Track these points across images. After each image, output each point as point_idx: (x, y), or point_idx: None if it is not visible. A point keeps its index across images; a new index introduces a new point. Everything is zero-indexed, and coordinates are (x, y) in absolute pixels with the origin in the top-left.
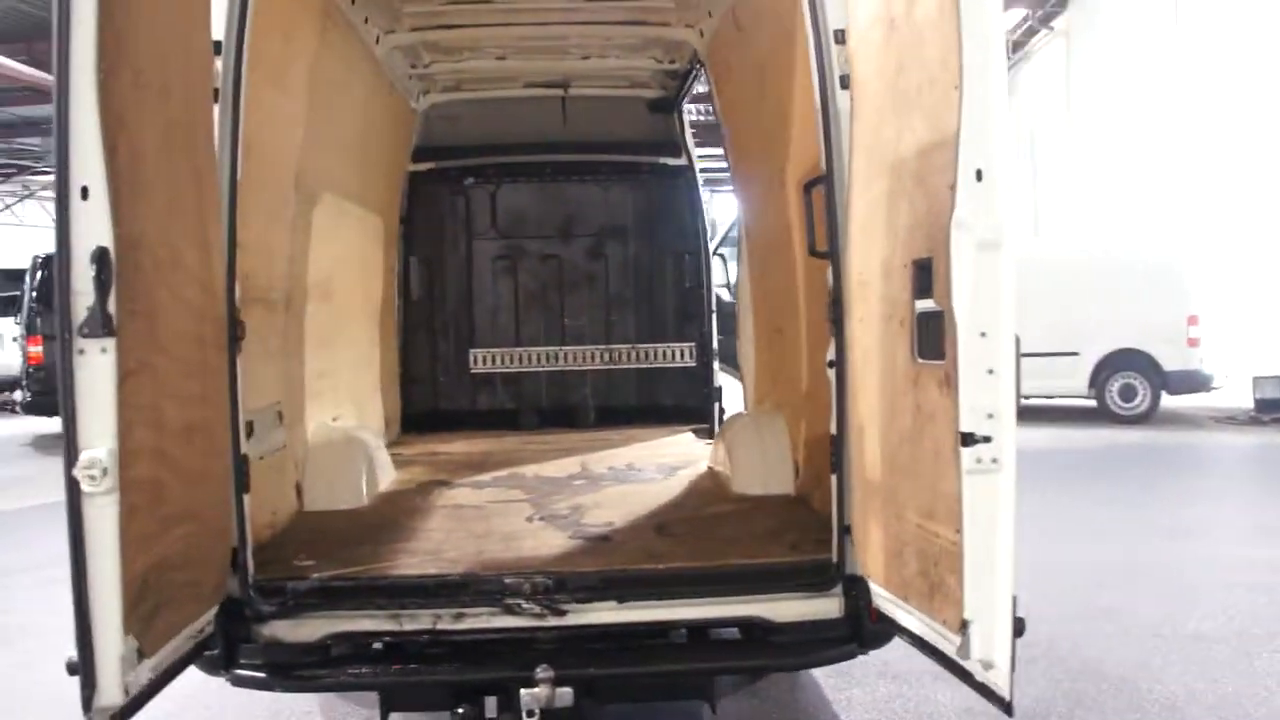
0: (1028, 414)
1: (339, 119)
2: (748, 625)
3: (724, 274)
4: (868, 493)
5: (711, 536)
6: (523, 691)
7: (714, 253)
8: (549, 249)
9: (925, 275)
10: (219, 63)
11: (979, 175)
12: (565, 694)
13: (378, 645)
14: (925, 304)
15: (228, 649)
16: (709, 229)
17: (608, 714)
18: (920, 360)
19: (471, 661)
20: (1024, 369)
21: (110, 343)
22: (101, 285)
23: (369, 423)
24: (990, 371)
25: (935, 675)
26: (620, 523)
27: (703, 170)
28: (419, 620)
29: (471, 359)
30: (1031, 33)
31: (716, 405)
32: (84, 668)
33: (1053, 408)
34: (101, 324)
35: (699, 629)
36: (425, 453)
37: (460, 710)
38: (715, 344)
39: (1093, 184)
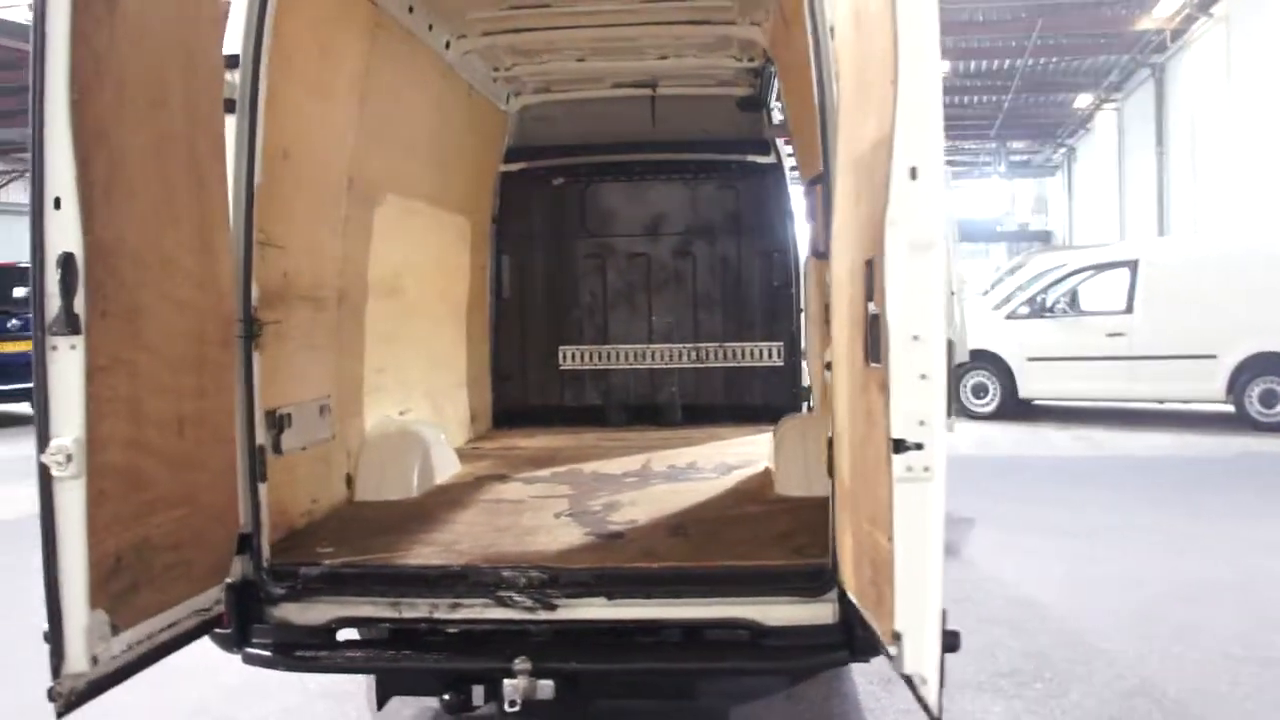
0: (1159, 419)
1: (404, 124)
2: (735, 627)
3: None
4: (841, 498)
5: (721, 538)
6: (505, 682)
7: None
8: (637, 247)
9: (872, 276)
10: (236, 75)
11: (913, 173)
12: (546, 686)
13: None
14: (872, 306)
15: (240, 628)
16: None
17: (629, 715)
18: (870, 364)
19: (461, 651)
20: (1158, 372)
21: (79, 340)
22: (66, 288)
23: (447, 418)
24: (923, 376)
25: (979, 686)
26: (643, 521)
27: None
28: (417, 609)
29: (560, 356)
30: (1190, 20)
31: (805, 405)
32: (53, 638)
33: (1188, 413)
34: (67, 323)
35: (694, 629)
36: (503, 447)
37: (446, 697)
38: (805, 342)
39: (1256, 176)
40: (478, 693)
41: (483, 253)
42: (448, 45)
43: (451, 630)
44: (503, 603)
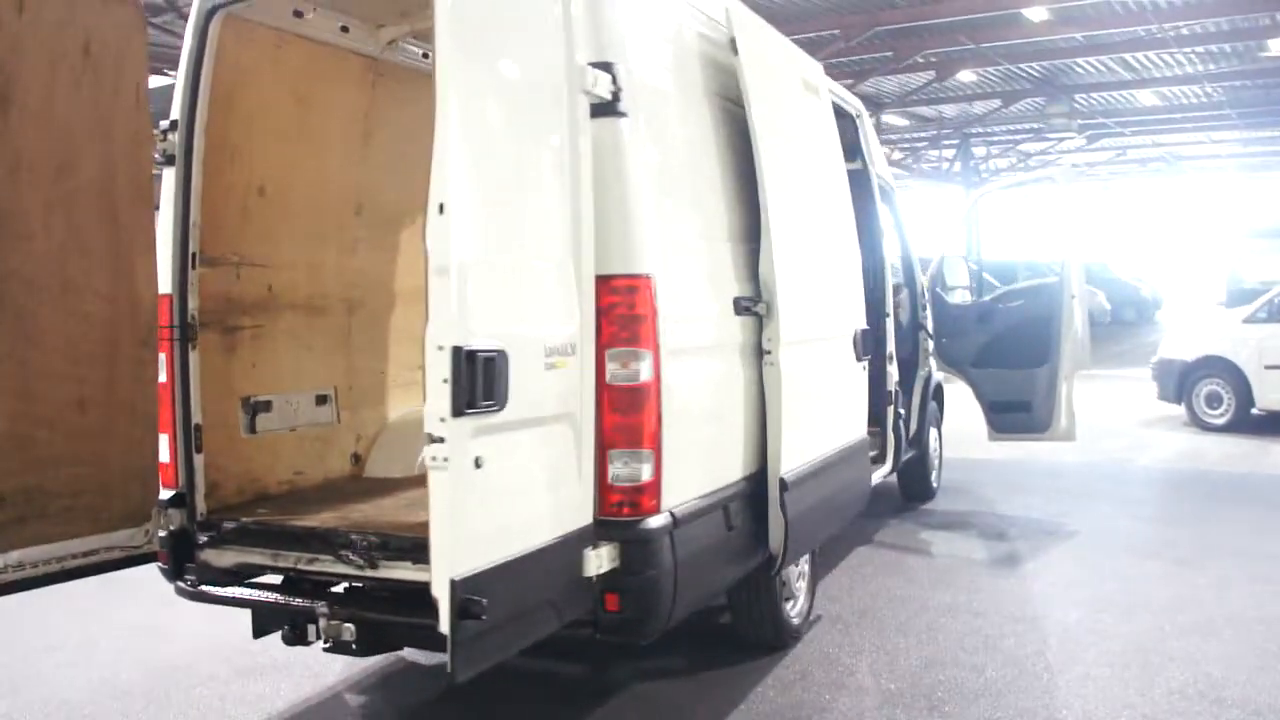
0: None
1: (423, 155)
2: None
3: (952, 276)
4: None
5: None
6: (322, 622)
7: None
8: None
9: None
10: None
11: (440, 209)
12: (349, 629)
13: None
14: None
15: (175, 566)
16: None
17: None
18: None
19: (309, 596)
20: None
21: None
22: None
23: None
24: (444, 380)
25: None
26: None
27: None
28: (287, 560)
29: None
30: None
31: (890, 408)
32: None
33: None
34: None
35: None
36: None
37: (284, 630)
38: (893, 346)
39: None
40: (311, 630)
41: None
42: None
43: (311, 580)
44: (342, 560)
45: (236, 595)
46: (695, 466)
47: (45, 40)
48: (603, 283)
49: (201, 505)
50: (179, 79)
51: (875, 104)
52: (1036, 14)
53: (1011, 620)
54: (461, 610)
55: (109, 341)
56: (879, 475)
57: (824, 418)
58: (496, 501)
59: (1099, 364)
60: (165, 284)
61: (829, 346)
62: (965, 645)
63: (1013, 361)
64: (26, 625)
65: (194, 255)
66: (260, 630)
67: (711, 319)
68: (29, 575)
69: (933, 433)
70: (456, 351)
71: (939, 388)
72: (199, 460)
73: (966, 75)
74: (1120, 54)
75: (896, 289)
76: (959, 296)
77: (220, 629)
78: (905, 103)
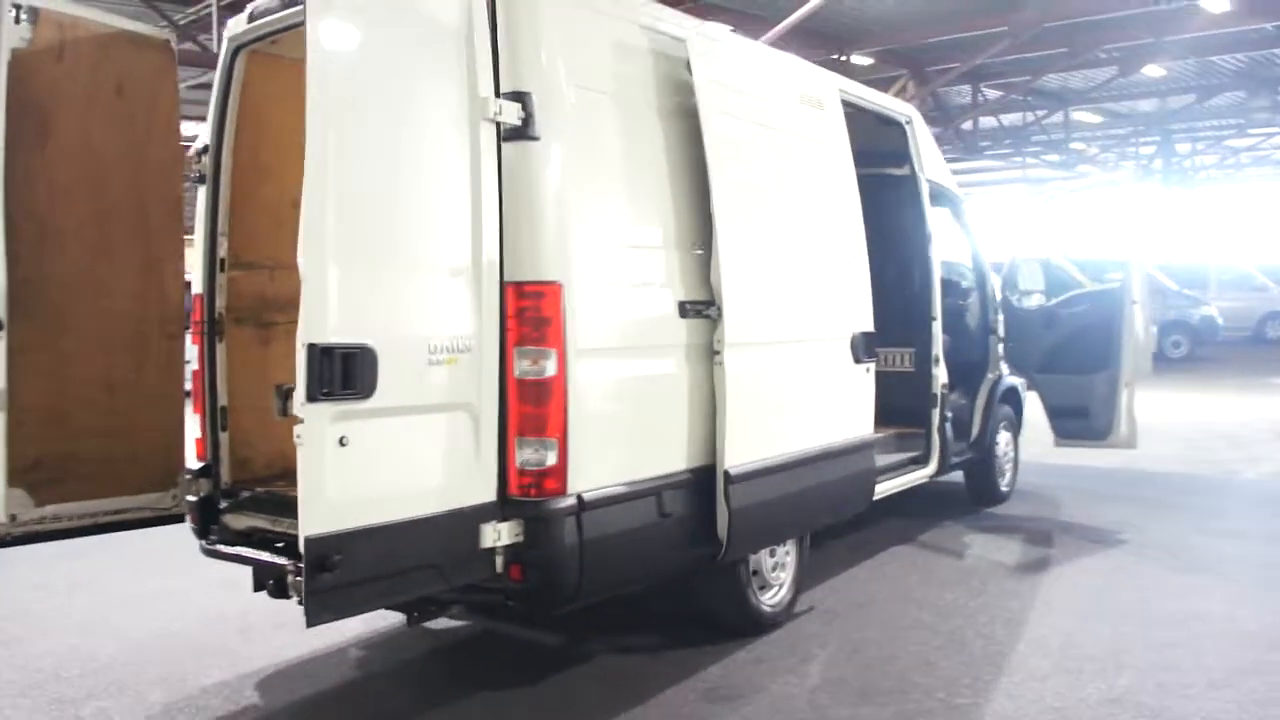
0: None
1: None
2: None
3: (1025, 280)
4: None
5: None
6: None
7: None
8: None
9: None
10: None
11: (308, 227)
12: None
13: None
14: None
15: (202, 528)
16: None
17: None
18: None
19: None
20: None
21: (1, 334)
22: None
23: None
24: (303, 372)
25: None
26: None
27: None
28: (282, 525)
29: None
30: None
31: (935, 410)
32: None
33: None
34: None
35: None
36: None
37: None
38: (939, 349)
39: None
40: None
41: None
42: None
43: (289, 537)
44: None
45: (238, 553)
46: (614, 455)
47: (81, 82)
48: (514, 288)
49: (226, 476)
50: (210, 109)
51: (1060, 100)
52: (1216, 4)
53: (998, 623)
54: (317, 564)
55: (138, 334)
56: (921, 476)
57: (793, 416)
58: (362, 474)
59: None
60: (198, 285)
61: (805, 349)
62: (934, 643)
63: (1074, 366)
64: (113, 578)
65: (222, 260)
66: (259, 585)
67: (647, 321)
68: (64, 527)
69: (1004, 436)
70: (311, 348)
71: (1012, 391)
72: (224, 437)
73: (1154, 70)
74: None
75: (965, 293)
76: (1036, 300)
77: None
78: (1090, 99)
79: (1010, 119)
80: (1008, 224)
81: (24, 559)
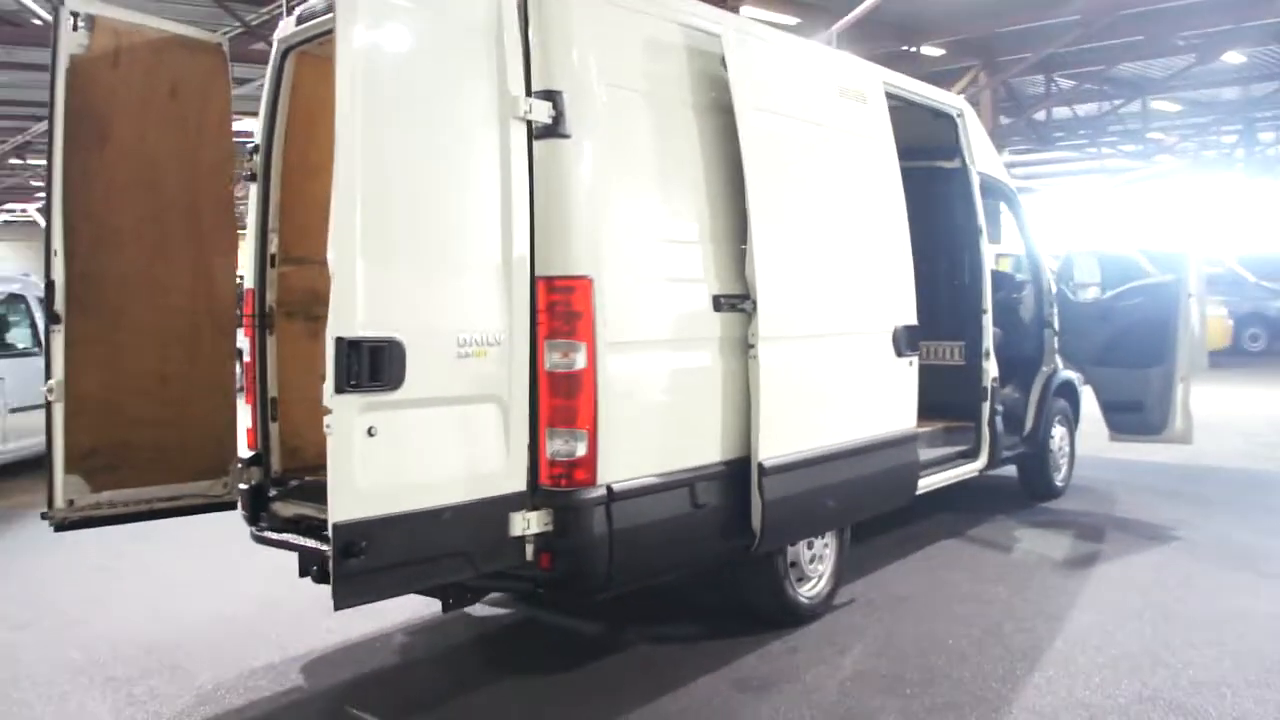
0: None
1: None
2: None
3: (1081, 273)
4: None
5: None
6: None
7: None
8: None
9: None
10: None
11: (338, 228)
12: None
13: None
14: None
15: (252, 514)
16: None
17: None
18: None
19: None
20: None
21: (59, 327)
22: (50, 299)
23: None
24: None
25: None
26: None
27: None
28: (324, 513)
29: None
30: None
31: (985, 404)
32: (48, 488)
33: None
34: (51, 318)
35: None
36: None
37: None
38: (989, 342)
39: None
40: None
41: None
42: None
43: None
44: None
45: (284, 539)
46: (646, 447)
47: (136, 86)
48: (546, 283)
49: (276, 464)
50: (261, 110)
51: (1137, 88)
52: None
53: (1039, 619)
54: (345, 550)
55: (191, 328)
56: (970, 470)
57: (830, 410)
58: (390, 463)
59: None
60: (250, 280)
61: (843, 342)
62: (971, 636)
63: (1129, 361)
64: (174, 563)
65: (272, 256)
66: (304, 570)
67: (679, 314)
68: (119, 512)
69: (1060, 430)
70: (340, 341)
71: (1067, 385)
72: (274, 427)
73: (1234, 56)
74: None
75: (1019, 286)
76: (1091, 293)
77: None
78: (1169, 87)
79: (1085, 109)
80: (1080, 216)
81: (90, 543)
